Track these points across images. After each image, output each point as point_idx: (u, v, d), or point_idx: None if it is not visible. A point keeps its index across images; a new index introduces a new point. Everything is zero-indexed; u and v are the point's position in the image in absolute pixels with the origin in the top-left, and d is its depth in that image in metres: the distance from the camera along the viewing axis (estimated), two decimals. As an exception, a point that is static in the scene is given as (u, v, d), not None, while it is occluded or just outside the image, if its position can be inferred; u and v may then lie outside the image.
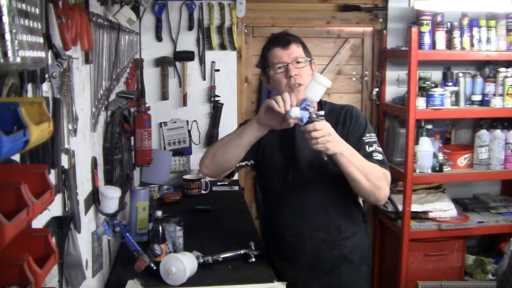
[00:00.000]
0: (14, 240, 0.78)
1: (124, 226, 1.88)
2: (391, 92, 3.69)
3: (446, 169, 3.37)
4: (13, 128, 0.79)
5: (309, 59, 1.94)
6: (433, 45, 3.33)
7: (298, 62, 1.90)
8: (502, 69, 3.40)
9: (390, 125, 3.70)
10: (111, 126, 2.06)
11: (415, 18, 3.44)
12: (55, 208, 1.31)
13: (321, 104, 1.97)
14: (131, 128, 2.56)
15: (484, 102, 3.43)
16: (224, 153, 1.91)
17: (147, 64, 3.43)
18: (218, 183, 3.35)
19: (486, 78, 3.46)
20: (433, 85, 3.39)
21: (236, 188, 3.33)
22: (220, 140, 2.05)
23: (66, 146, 1.41)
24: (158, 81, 3.48)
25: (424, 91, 3.33)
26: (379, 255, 3.75)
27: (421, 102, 3.27)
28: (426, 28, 3.29)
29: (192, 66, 3.51)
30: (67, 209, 1.39)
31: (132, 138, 2.75)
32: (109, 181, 2.02)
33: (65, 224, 1.33)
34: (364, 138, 1.90)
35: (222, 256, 2.04)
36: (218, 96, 3.51)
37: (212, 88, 3.51)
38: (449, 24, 3.35)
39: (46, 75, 1.22)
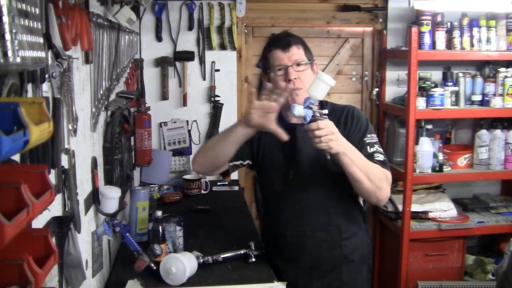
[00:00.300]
0: (14, 240, 0.78)
1: (124, 226, 1.88)
2: (391, 92, 3.69)
3: (446, 169, 3.37)
4: (13, 128, 0.79)
5: (310, 61, 1.94)
6: (433, 45, 3.33)
7: (298, 65, 1.89)
8: (502, 69, 3.40)
9: (390, 125, 3.70)
10: (111, 126, 2.06)
11: (415, 18, 3.44)
12: (55, 208, 1.31)
13: (322, 104, 1.96)
14: (131, 128, 2.56)
15: (484, 102, 3.43)
16: (214, 151, 1.93)
17: (147, 64, 3.43)
18: (218, 183, 3.35)
19: (486, 78, 3.46)
20: (433, 85, 3.39)
21: (236, 188, 3.33)
22: (212, 137, 2.06)
23: (66, 146, 1.41)
24: (158, 81, 3.48)
25: (424, 91, 3.33)
26: (379, 255, 3.75)
27: (421, 102, 3.27)
28: (426, 28, 3.29)
29: (192, 66, 3.51)
30: (67, 209, 1.39)
31: (132, 138, 2.75)
32: (109, 181, 2.02)
33: (65, 224, 1.33)
34: (365, 138, 1.90)
35: (222, 256, 2.04)
36: (218, 96, 3.51)
37: (212, 88, 3.51)
38: (449, 24, 3.35)
39: (46, 75, 1.22)
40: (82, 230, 1.50)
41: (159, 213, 2.10)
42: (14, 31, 0.81)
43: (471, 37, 3.36)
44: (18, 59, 0.82)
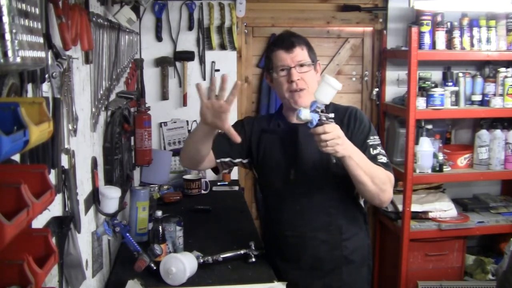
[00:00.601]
0: (14, 240, 0.78)
1: (124, 226, 1.88)
2: (391, 92, 3.69)
3: (446, 169, 3.37)
4: (13, 128, 0.79)
5: (313, 62, 1.93)
6: (433, 45, 3.33)
7: (301, 66, 1.89)
8: (502, 69, 3.40)
9: (390, 125, 3.70)
10: (111, 126, 2.06)
11: (415, 18, 3.44)
12: (55, 208, 1.31)
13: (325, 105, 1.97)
14: (131, 128, 2.56)
15: (484, 102, 3.43)
16: (189, 148, 1.93)
17: (147, 64, 3.43)
18: (218, 183, 3.35)
19: (486, 78, 3.46)
20: (433, 85, 3.39)
21: (236, 188, 3.33)
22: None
23: (66, 146, 1.41)
24: (158, 81, 3.48)
25: (424, 91, 3.33)
26: (379, 255, 3.75)
27: (421, 102, 3.27)
28: (426, 28, 3.29)
29: (192, 66, 3.51)
30: (67, 209, 1.39)
31: (132, 138, 2.75)
32: (109, 181, 2.02)
33: (65, 224, 1.33)
34: (368, 140, 1.89)
35: (222, 256, 2.04)
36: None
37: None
38: (449, 24, 3.35)
39: (46, 75, 1.22)
40: (82, 230, 1.50)
41: (159, 213, 2.10)
42: (14, 31, 0.81)
43: (471, 37, 3.36)
44: (18, 59, 0.82)
